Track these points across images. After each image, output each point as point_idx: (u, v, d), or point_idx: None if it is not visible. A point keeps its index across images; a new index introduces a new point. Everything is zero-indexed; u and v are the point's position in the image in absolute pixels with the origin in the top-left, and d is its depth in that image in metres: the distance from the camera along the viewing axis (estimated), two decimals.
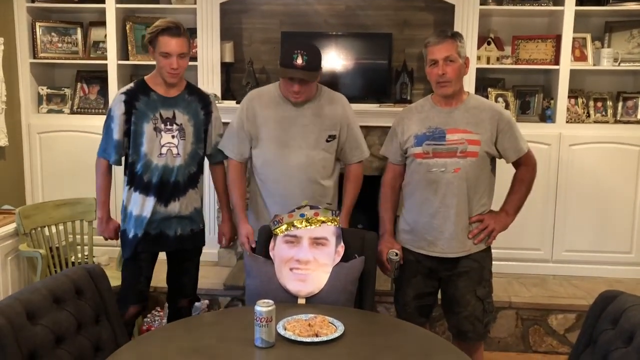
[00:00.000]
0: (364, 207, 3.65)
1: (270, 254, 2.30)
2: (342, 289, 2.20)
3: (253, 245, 2.55)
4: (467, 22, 3.63)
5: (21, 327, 1.62)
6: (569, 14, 3.63)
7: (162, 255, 2.71)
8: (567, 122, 3.75)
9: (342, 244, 2.31)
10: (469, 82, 3.60)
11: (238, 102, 3.49)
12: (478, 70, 3.70)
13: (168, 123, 2.54)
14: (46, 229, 3.13)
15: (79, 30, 4.02)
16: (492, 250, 2.51)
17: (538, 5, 3.70)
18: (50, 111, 4.03)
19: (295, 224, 2.26)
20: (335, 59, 3.79)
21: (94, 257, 3.36)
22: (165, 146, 2.53)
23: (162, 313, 3.32)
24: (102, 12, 3.81)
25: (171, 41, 2.44)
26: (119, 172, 2.68)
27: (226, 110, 3.25)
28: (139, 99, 2.52)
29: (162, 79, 2.53)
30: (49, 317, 1.73)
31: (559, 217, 3.77)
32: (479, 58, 3.73)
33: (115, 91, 3.64)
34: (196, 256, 2.75)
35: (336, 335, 1.81)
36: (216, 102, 3.64)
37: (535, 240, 3.80)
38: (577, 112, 3.81)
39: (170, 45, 2.44)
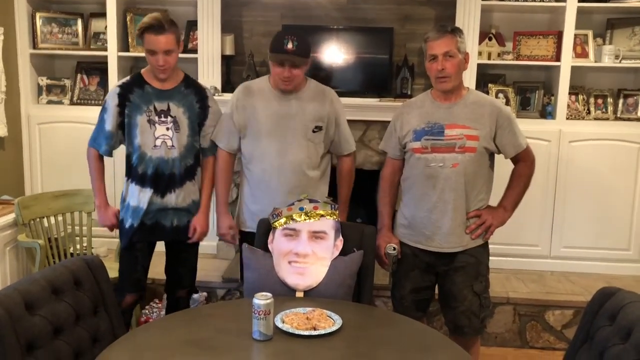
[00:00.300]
0: (363, 202, 3.66)
1: (269, 247, 2.30)
2: (340, 283, 2.20)
3: (235, 242, 2.66)
4: (468, 18, 3.62)
5: (20, 317, 1.62)
6: (571, 10, 3.62)
7: (161, 247, 2.72)
8: (567, 118, 3.75)
9: (340, 237, 2.31)
10: (470, 78, 3.60)
11: None
12: (479, 65, 3.69)
13: (162, 115, 2.54)
14: (45, 219, 3.13)
15: (79, 21, 4.01)
16: (490, 246, 2.52)
17: (540, 1, 3.69)
18: (50, 102, 4.02)
19: (294, 217, 2.26)
20: (336, 53, 3.79)
21: (92, 248, 3.36)
22: (160, 138, 2.54)
23: (160, 304, 3.33)
24: (103, 3, 3.79)
25: (155, 39, 2.44)
26: (120, 163, 2.69)
27: (226, 103, 3.23)
28: (134, 91, 2.54)
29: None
30: (47, 307, 1.73)
31: (558, 214, 3.78)
32: (480, 54, 3.72)
33: (115, 83, 3.63)
34: (193, 247, 2.74)
35: (334, 328, 1.81)
36: (216, 95, 3.67)
37: (534, 236, 3.81)
38: (578, 108, 3.80)
39: (154, 43, 2.44)
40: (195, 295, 3.16)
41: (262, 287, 2.02)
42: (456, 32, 2.35)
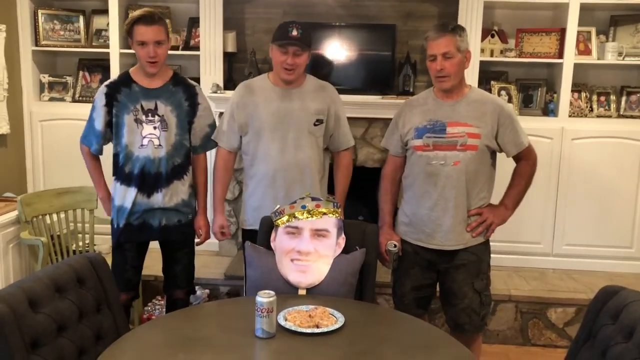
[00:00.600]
0: (364, 199, 3.66)
1: (272, 244, 2.30)
2: (342, 281, 2.20)
3: (223, 239, 2.74)
4: (471, 14, 3.61)
5: (23, 315, 1.62)
6: (574, 7, 3.60)
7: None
8: (569, 116, 3.74)
9: (343, 235, 2.31)
10: (472, 75, 3.59)
11: None
12: (481, 63, 3.68)
13: (149, 114, 2.53)
14: (47, 217, 3.14)
15: (81, 18, 4.01)
16: (492, 243, 2.52)
17: None
18: (52, 99, 4.02)
19: (297, 215, 2.26)
20: (338, 50, 3.78)
21: (95, 245, 3.37)
22: (147, 137, 2.53)
23: (162, 302, 3.33)
24: (105, 0, 3.79)
25: (146, 29, 2.43)
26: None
27: (227, 100, 3.24)
28: (121, 90, 2.54)
29: (144, 70, 2.53)
30: (51, 305, 1.74)
31: (560, 211, 3.77)
32: (482, 51, 3.72)
33: None
34: (186, 246, 2.70)
35: (336, 326, 1.81)
36: (218, 92, 3.66)
37: (536, 234, 3.81)
38: (580, 106, 3.80)
39: (145, 34, 2.44)
40: (197, 293, 3.16)
41: (264, 284, 2.02)
42: (456, 30, 2.33)
